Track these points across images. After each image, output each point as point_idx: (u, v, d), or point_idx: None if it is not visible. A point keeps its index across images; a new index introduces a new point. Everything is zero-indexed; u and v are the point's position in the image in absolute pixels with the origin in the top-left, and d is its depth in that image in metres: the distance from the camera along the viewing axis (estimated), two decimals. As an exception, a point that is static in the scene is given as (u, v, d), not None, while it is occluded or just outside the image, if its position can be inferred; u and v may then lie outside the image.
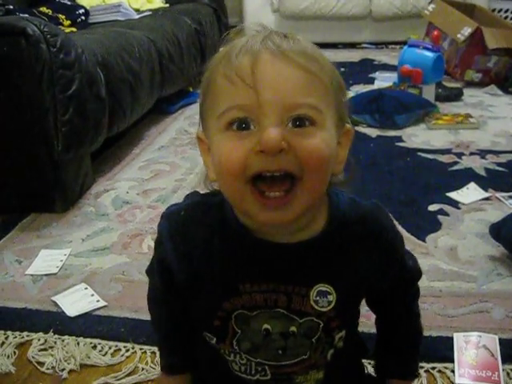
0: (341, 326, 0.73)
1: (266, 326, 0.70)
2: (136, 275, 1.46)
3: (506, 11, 5.04)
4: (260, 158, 0.60)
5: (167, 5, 3.64)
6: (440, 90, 2.97)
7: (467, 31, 3.23)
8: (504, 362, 1.12)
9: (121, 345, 1.22)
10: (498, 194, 1.85)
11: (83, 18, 2.87)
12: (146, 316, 1.27)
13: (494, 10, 4.90)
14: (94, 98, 1.86)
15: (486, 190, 1.88)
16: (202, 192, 0.79)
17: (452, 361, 1.12)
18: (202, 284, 0.72)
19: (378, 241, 0.73)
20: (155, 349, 1.19)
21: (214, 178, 0.69)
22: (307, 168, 0.61)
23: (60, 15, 2.73)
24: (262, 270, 0.69)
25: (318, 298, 0.70)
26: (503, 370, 1.10)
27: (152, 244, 1.60)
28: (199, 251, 0.71)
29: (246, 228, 0.69)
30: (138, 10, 3.31)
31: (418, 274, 0.84)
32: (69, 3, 2.96)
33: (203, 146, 0.71)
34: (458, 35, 3.26)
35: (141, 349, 1.20)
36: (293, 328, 0.70)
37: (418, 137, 2.46)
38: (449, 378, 1.09)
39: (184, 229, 0.73)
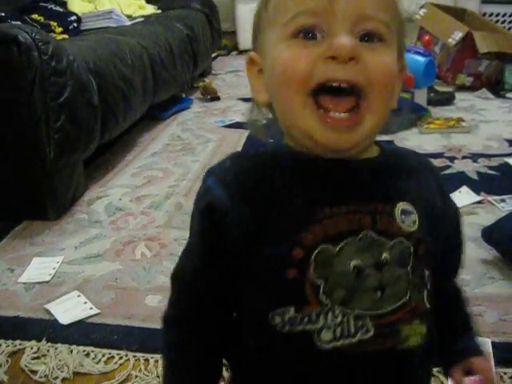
0: (428, 260, 0.64)
1: (354, 262, 0.59)
2: (129, 282, 1.46)
3: (497, 15, 5.07)
4: (328, 65, 0.57)
5: (159, 11, 3.66)
6: (432, 95, 2.98)
7: (458, 35, 3.25)
8: (497, 364, 1.11)
9: (114, 352, 1.21)
10: (490, 198, 1.86)
11: (75, 24, 2.87)
12: (139, 323, 1.29)
13: (484, 14, 4.93)
14: (86, 105, 1.86)
15: (478, 194, 1.89)
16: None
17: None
18: (274, 222, 0.60)
19: (432, 173, 0.70)
20: (149, 356, 1.19)
21: (266, 100, 0.65)
22: (376, 83, 0.58)
23: (52, 22, 2.74)
24: (339, 190, 0.61)
25: (403, 216, 0.62)
26: (496, 372, 1.10)
27: (145, 251, 1.61)
28: (261, 189, 0.61)
29: (306, 149, 0.62)
30: (130, 17, 3.31)
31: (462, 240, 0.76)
32: (61, 10, 2.96)
33: (253, 68, 0.67)
34: (449, 39, 3.28)
35: (134, 356, 1.20)
36: (385, 254, 0.60)
37: (410, 141, 2.47)
38: (442, 382, 1.10)
39: (236, 174, 0.63)
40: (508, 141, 2.45)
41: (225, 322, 0.66)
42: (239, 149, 2.42)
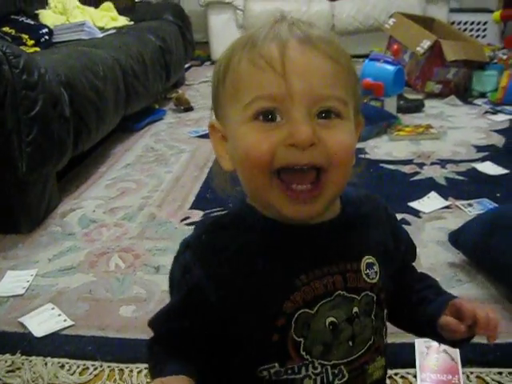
0: (385, 300, 0.71)
1: (330, 319, 0.66)
2: (103, 293, 1.46)
3: (465, 23, 5.18)
4: (289, 150, 0.60)
5: (132, 23, 3.66)
6: (401, 102, 3.04)
7: (426, 44, 3.31)
8: (464, 365, 1.15)
9: (89, 363, 1.22)
10: (458, 202, 1.90)
11: (47, 37, 2.86)
12: (114, 334, 1.30)
13: (453, 23, 5.04)
14: (58, 117, 1.87)
15: (446, 199, 1.93)
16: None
17: (414, 366, 1.15)
18: (256, 296, 0.65)
19: (385, 211, 0.76)
20: (123, 366, 1.20)
21: (230, 168, 0.67)
22: (335, 161, 0.61)
23: (23, 35, 2.73)
24: (311, 256, 0.66)
25: (367, 270, 0.68)
26: (463, 373, 1.13)
27: (119, 262, 1.62)
28: (238, 265, 0.65)
29: (276, 220, 0.66)
30: (102, 29, 3.32)
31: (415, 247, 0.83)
32: (32, 23, 2.95)
33: (216, 134, 0.69)
34: (418, 48, 3.34)
35: (109, 366, 1.21)
36: (355, 308, 0.67)
37: (380, 148, 2.51)
38: (411, 383, 1.12)
39: (212, 250, 0.66)
40: (476, 147, 2.50)
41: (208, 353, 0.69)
42: (212, 158, 2.44)
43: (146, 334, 1.27)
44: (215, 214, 0.73)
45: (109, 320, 1.35)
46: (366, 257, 0.69)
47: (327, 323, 0.65)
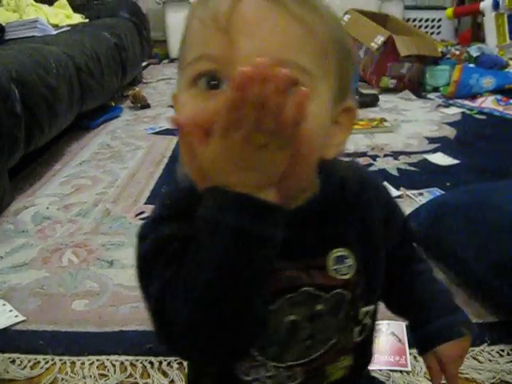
0: (367, 297, 0.65)
1: (290, 317, 0.59)
2: (55, 288, 1.45)
3: (421, 20, 5.30)
4: None
5: (87, 20, 3.63)
6: (357, 97, 3.07)
7: (380, 40, 3.37)
8: (411, 346, 1.18)
9: (40, 357, 1.21)
10: (409, 192, 1.94)
11: (-1, 34, 2.82)
12: (66, 327, 1.30)
13: (408, 20, 5.14)
14: (8, 113, 1.84)
15: (397, 189, 1.97)
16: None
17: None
18: None
19: (376, 190, 0.69)
20: (75, 358, 1.20)
21: None
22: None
23: (-26, 33, 2.68)
24: None
25: (336, 265, 0.61)
26: (410, 353, 1.16)
27: (73, 257, 1.62)
28: None
29: None
30: (56, 26, 3.27)
31: (416, 235, 0.79)
32: (-17, 20, 2.91)
33: (178, 106, 0.58)
34: (372, 44, 3.40)
35: (60, 360, 1.20)
36: (319, 306, 0.60)
37: (335, 142, 2.54)
38: None
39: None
40: (428, 138, 2.57)
41: None
42: (168, 154, 2.45)
43: (98, 328, 1.28)
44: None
45: (61, 314, 1.35)
46: (336, 250, 0.61)
47: (286, 321, 0.60)
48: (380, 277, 0.68)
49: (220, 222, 0.47)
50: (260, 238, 0.48)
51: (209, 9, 0.52)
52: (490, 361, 1.15)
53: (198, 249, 0.49)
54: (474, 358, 1.15)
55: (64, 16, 3.54)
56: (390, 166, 2.22)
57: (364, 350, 0.69)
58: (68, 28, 3.25)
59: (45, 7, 3.46)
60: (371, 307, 0.66)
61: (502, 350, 1.17)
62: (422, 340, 0.75)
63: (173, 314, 0.51)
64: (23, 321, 1.33)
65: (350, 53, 0.58)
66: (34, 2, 3.41)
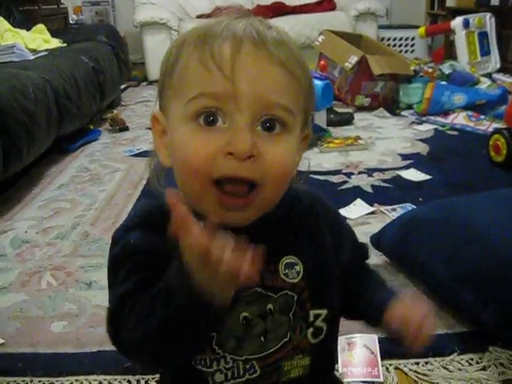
0: (314, 300, 0.71)
1: (243, 314, 0.67)
2: (34, 311, 1.47)
3: (394, 39, 5.41)
4: (228, 161, 0.58)
5: (65, 44, 3.65)
6: (332, 116, 3.14)
7: (354, 59, 3.44)
8: (383, 357, 1.21)
9: (19, 379, 1.22)
10: (383, 208, 1.99)
11: (-24, 60, 2.84)
12: (44, 349, 1.31)
13: (382, 39, 5.24)
14: (-14, 139, 1.86)
15: (371, 205, 2.01)
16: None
17: (336, 362, 1.21)
18: None
19: (324, 208, 0.76)
20: (54, 380, 1.21)
21: (168, 164, 0.66)
22: (271, 178, 0.60)
23: (-49, 59, 2.70)
24: None
25: (287, 270, 0.69)
26: (382, 365, 1.20)
27: (51, 280, 1.63)
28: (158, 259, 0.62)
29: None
30: (35, 51, 3.30)
31: (367, 249, 0.83)
32: (-40, 46, 2.93)
33: (158, 127, 0.67)
34: (346, 63, 3.47)
35: (39, 381, 1.21)
36: (270, 305, 0.68)
37: (311, 160, 2.54)
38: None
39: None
40: (401, 155, 2.62)
41: None
42: (146, 175, 2.46)
43: (76, 348, 1.29)
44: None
45: (40, 336, 1.36)
46: (286, 257, 0.69)
47: (241, 318, 0.67)
48: (329, 283, 0.74)
49: (175, 299, 0.56)
50: (202, 322, 0.58)
51: (210, 53, 0.59)
52: (459, 370, 1.19)
53: (154, 299, 0.58)
54: (444, 368, 1.19)
55: (42, 41, 3.57)
56: (365, 182, 2.27)
57: (322, 353, 0.73)
58: (46, 53, 3.28)
59: (23, 32, 3.49)
60: (322, 311, 0.72)
61: (471, 359, 1.21)
62: (372, 313, 0.77)
63: (123, 325, 0.61)
64: (2, 344, 1.34)
65: (313, 86, 0.67)
66: (12, 28, 3.44)
